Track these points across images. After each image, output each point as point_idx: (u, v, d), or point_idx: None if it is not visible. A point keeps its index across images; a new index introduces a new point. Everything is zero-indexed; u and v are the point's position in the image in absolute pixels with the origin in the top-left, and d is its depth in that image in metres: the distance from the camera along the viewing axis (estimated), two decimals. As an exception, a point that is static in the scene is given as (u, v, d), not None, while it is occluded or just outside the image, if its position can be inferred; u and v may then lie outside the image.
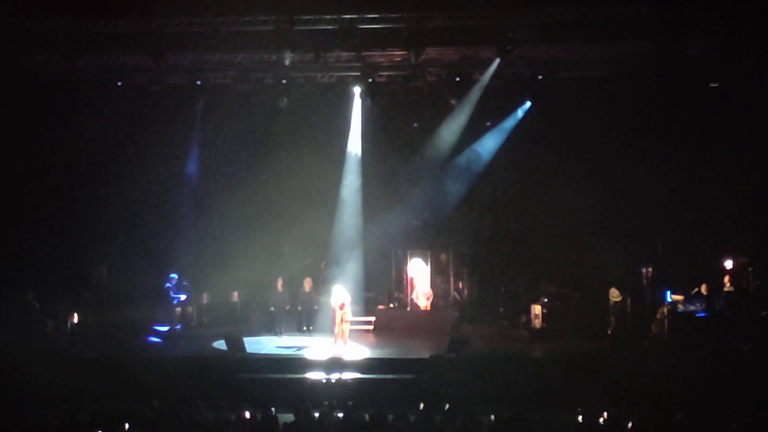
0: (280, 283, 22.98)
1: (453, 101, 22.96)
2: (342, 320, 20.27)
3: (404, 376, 18.31)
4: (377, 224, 24.21)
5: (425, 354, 19.44)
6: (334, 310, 20.50)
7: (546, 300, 22.07)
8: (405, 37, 20.68)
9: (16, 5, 19.50)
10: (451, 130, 23.92)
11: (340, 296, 20.41)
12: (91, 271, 22.81)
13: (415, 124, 24.41)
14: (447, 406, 14.23)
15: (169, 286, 23.32)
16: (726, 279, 20.68)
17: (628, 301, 21.36)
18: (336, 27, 20.42)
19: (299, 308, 22.94)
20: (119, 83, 22.62)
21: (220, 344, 20.40)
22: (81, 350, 19.85)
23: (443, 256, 24.81)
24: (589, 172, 22.82)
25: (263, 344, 21.15)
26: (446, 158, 24.62)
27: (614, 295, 21.49)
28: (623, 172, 22.34)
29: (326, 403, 14.96)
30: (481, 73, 22.28)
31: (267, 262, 23.81)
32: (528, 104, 23.65)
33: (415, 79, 22.33)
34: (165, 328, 22.41)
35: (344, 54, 21.82)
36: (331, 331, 20.56)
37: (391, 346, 21.20)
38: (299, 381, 18.26)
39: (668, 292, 20.54)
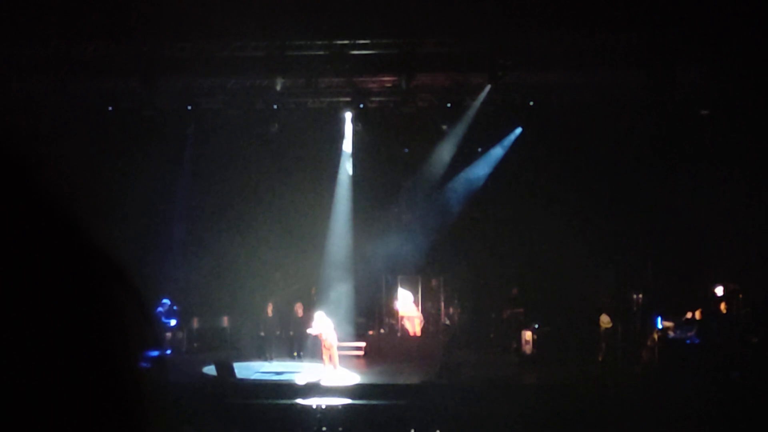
0: (270, 308, 22.92)
1: (444, 127, 23.03)
2: (324, 347, 20.21)
3: (395, 401, 18.23)
4: (368, 249, 24.18)
5: (416, 380, 19.37)
6: (318, 337, 20.51)
7: (536, 326, 22.08)
8: (396, 63, 20.73)
9: (6, 29, 19.46)
10: (442, 155, 23.97)
11: (321, 323, 20.35)
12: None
13: (407, 150, 24.44)
14: (438, 432, 14.20)
15: (160, 311, 23.22)
16: (722, 306, 20.68)
17: (619, 327, 21.33)
18: (327, 53, 20.46)
19: (291, 333, 22.87)
20: (110, 107, 22.60)
21: (210, 369, 20.30)
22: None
23: (434, 282, 24.77)
24: (579, 197, 22.82)
25: (253, 369, 21.05)
26: (437, 184, 24.65)
27: (605, 321, 21.45)
28: (613, 198, 22.38)
29: (316, 428, 14.90)
30: (473, 99, 22.34)
31: (257, 287, 23.74)
32: (519, 130, 23.72)
33: (407, 104, 22.40)
34: (155, 354, 22.26)
35: (335, 79, 21.86)
36: (321, 357, 20.51)
37: (382, 372, 21.12)
38: (290, 407, 18.16)
39: (659, 319, 20.53)
